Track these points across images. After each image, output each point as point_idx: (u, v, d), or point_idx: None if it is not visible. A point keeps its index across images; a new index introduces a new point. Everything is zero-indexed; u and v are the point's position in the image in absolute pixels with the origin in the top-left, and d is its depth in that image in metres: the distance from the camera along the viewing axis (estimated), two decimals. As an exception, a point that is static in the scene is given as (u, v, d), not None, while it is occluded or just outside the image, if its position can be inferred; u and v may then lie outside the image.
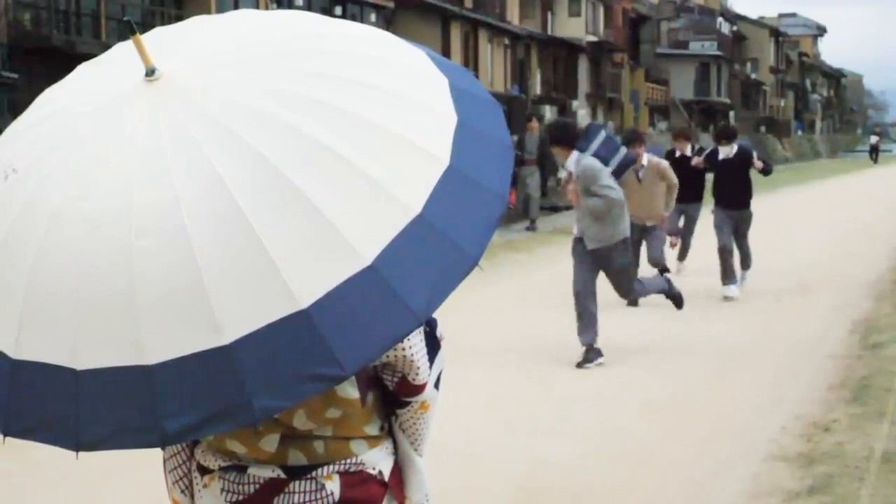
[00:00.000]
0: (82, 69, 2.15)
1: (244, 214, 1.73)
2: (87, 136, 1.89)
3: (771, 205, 27.11)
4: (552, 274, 12.81)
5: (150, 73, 1.91)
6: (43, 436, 1.80)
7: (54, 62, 19.33)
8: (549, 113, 44.26)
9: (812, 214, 24.22)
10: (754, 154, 12.33)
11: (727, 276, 12.02)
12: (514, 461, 5.93)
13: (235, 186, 1.75)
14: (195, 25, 2.16)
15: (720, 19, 68.94)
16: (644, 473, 5.82)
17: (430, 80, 2.02)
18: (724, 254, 12.04)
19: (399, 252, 1.75)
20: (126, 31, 1.96)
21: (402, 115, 1.91)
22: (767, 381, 7.93)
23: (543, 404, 7.14)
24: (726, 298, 11.83)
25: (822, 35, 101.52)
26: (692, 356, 8.73)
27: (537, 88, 46.52)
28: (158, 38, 2.04)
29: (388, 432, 2.21)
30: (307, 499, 2.07)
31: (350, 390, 2.06)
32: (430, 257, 1.79)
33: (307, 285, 1.71)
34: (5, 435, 1.82)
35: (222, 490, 2.10)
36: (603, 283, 8.63)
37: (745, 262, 12.70)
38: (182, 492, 2.20)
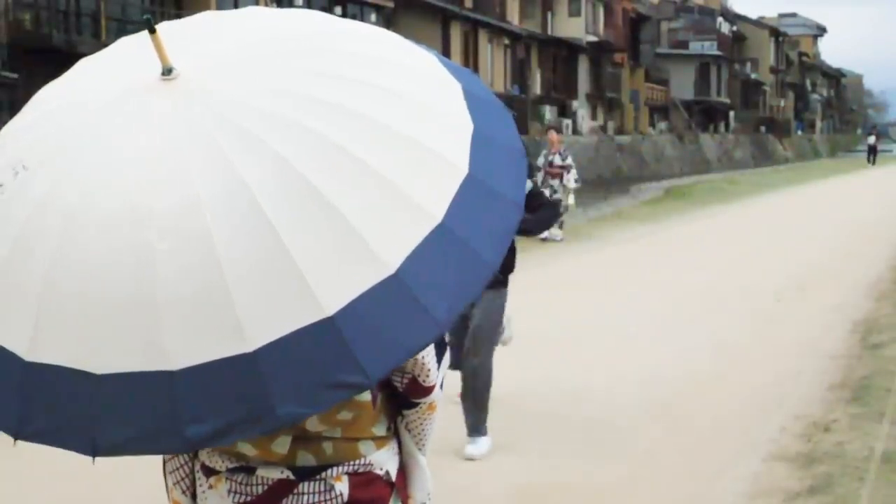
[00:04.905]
0: (83, 65, 2.13)
1: (268, 218, 1.70)
2: (100, 135, 1.85)
3: (771, 205, 27.16)
4: (550, 274, 12.82)
5: (168, 72, 1.88)
6: (57, 439, 1.77)
7: (54, 62, 19.32)
8: (548, 113, 44.28)
9: (812, 214, 24.23)
10: (531, 183, 5.86)
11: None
12: (515, 461, 5.93)
13: (258, 189, 1.72)
14: (204, 22, 2.13)
15: (720, 19, 68.95)
16: (644, 473, 5.82)
17: (444, 86, 2.01)
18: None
19: (421, 260, 1.74)
20: (129, 29, 1.94)
21: (422, 121, 1.90)
22: (767, 381, 7.93)
23: (543, 403, 7.14)
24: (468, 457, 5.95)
25: (822, 35, 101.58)
26: (692, 356, 8.73)
27: (537, 88, 46.51)
28: (166, 35, 1.99)
29: (394, 432, 2.21)
30: (316, 500, 2.06)
31: (364, 393, 2.06)
32: (450, 266, 1.78)
33: (332, 292, 1.69)
34: (16, 438, 1.78)
35: (229, 491, 2.09)
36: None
37: (474, 419, 5.97)
38: (183, 492, 2.19)
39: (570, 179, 17.13)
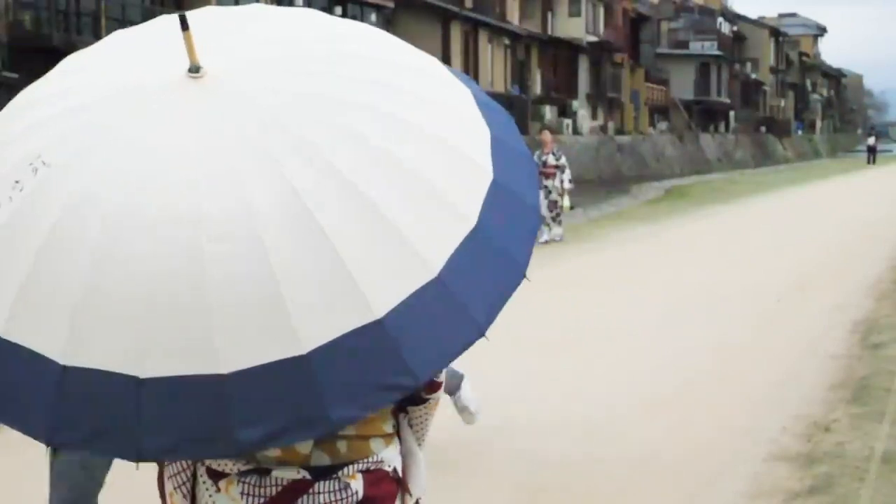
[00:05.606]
0: (80, 61, 2.08)
1: (316, 220, 1.70)
2: (132, 134, 1.80)
3: (771, 205, 27.16)
4: (551, 274, 12.82)
5: (195, 70, 1.85)
6: (97, 445, 1.75)
7: (54, 62, 19.31)
8: (549, 113, 44.28)
9: (812, 214, 24.24)
10: None
11: None
12: (514, 461, 5.93)
13: (306, 191, 1.72)
14: (209, 19, 2.07)
15: (720, 19, 68.99)
16: (644, 473, 5.82)
17: (458, 91, 2.03)
18: None
19: (460, 263, 1.77)
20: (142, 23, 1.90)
21: (449, 125, 1.92)
22: (767, 381, 7.93)
23: (544, 404, 7.14)
24: None
25: (822, 35, 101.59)
26: (692, 356, 8.72)
27: (537, 88, 46.53)
28: (173, 32, 1.92)
29: (397, 429, 2.22)
30: (332, 499, 2.05)
31: None
32: (486, 268, 1.81)
33: (381, 295, 1.70)
34: (50, 444, 1.75)
35: (242, 494, 2.05)
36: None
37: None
38: (184, 497, 2.15)
39: (565, 180, 17.19)
